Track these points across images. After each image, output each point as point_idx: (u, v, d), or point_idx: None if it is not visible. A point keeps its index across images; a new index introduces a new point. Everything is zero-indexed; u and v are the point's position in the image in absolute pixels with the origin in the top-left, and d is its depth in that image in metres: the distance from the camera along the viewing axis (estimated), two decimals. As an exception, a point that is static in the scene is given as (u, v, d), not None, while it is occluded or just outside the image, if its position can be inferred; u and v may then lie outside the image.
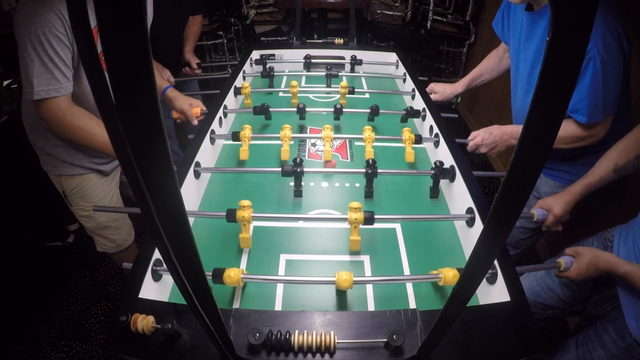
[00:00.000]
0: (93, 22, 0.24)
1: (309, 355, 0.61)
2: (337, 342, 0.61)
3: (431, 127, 1.32)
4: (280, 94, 1.67)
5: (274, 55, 1.88)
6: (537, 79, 0.27)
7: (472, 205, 0.96)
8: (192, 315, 0.55)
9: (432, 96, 1.56)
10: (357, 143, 1.34)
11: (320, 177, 1.18)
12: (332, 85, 1.65)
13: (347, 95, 1.49)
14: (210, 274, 0.77)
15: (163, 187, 0.30)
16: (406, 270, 0.90)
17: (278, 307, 0.80)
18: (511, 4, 1.31)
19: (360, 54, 1.85)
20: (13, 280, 1.99)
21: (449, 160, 1.13)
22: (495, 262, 0.80)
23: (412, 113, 1.39)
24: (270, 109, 1.38)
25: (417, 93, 1.53)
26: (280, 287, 0.84)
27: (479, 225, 0.92)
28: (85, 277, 2.01)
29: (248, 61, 1.81)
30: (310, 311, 0.69)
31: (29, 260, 2.10)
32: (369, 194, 1.09)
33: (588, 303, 1.14)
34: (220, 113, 1.35)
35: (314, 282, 0.81)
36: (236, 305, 0.80)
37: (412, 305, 0.81)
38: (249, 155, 1.21)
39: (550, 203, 1.06)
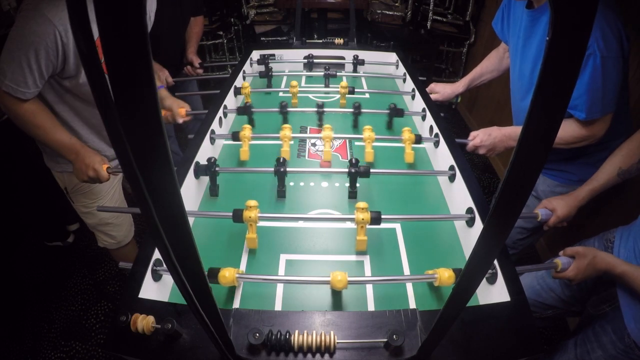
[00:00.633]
0: (96, 34, 0.24)
1: (309, 355, 0.61)
2: (337, 342, 0.61)
3: (431, 127, 1.32)
4: (280, 94, 1.67)
5: (274, 55, 1.88)
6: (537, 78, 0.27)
7: (472, 205, 0.96)
8: (192, 315, 0.55)
9: (433, 96, 1.56)
10: (357, 143, 1.34)
11: (320, 177, 1.18)
12: (330, 86, 1.65)
13: (347, 95, 1.49)
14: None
15: (163, 187, 0.30)
16: (406, 270, 0.90)
17: (278, 307, 0.80)
18: (511, 2, 1.31)
19: (360, 54, 1.85)
20: (13, 280, 1.99)
21: (449, 161, 1.13)
22: (495, 262, 0.80)
23: (396, 112, 1.38)
24: (270, 110, 1.38)
25: (417, 93, 1.53)
26: (280, 287, 0.84)
27: (479, 225, 0.92)
28: (85, 277, 2.01)
29: (248, 61, 1.81)
30: (310, 311, 0.69)
31: (29, 260, 2.10)
32: (352, 194, 1.09)
33: (587, 303, 1.14)
34: (220, 113, 1.35)
35: (309, 282, 0.81)
36: (236, 305, 0.80)
37: (412, 305, 0.81)
38: (250, 156, 1.21)
39: (555, 204, 1.06)
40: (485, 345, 0.65)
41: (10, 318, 1.80)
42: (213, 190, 1.10)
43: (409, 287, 0.85)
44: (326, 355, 0.61)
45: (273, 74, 1.71)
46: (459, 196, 1.05)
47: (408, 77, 1.68)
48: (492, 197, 2.37)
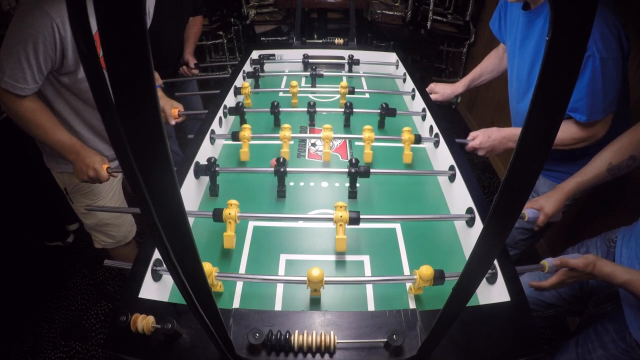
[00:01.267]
0: (94, 28, 0.24)
1: (309, 355, 0.61)
2: (337, 342, 0.61)
3: (431, 127, 1.32)
4: (280, 94, 1.67)
5: (274, 55, 1.88)
6: (536, 78, 0.27)
7: (472, 205, 0.96)
8: (192, 315, 0.55)
9: (432, 96, 1.56)
10: (357, 143, 1.34)
11: (320, 177, 1.18)
12: (317, 86, 1.66)
13: (347, 95, 1.49)
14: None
15: (163, 187, 0.30)
16: (406, 270, 0.90)
17: (278, 307, 0.80)
18: (507, 3, 1.30)
19: (360, 54, 1.85)
20: (13, 280, 1.99)
21: (449, 161, 1.13)
22: (495, 262, 0.80)
23: (387, 112, 1.37)
24: (262, 110, 1.37)
25: (417, 93, 1.53)
26: (280, 287, 0.84)
27: (479, 225, 0.92)
28: (85, 277, 2.01)
29: (248, 61, 1.81)
30: (310, 311, 0.69)
31: (29, 260, 2.10)
32: (352, 194, 1.09)
33: (589, 302, 1.14)
34: (220, 113, 1.35)
35: (284, 281, 0.82)
36: (236, 305, 0.80)
37: (412, 305, 0.81)
38: (250, 156, 1.21)
39: (541, 202, 1.05)
40: (485, 345, 0.65)
41: (10, 318, 1.80)
42: (213, 190, 1.10)
43: (409, 285, 0.85)
44: (326, 355, 0.61)
45: (271, 74, 1.71)
46: (459, 196, 1.05)
47: (408, 77, 1.68)
48: (493, 197, 2.37)
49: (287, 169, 1.06)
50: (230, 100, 1.48)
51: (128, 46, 0.23)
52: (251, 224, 1.00)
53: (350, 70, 1.82)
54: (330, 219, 0.89)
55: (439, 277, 0.76)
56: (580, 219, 1.84)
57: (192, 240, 0.35)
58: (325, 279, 0.76)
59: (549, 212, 1.04)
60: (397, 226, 1.01)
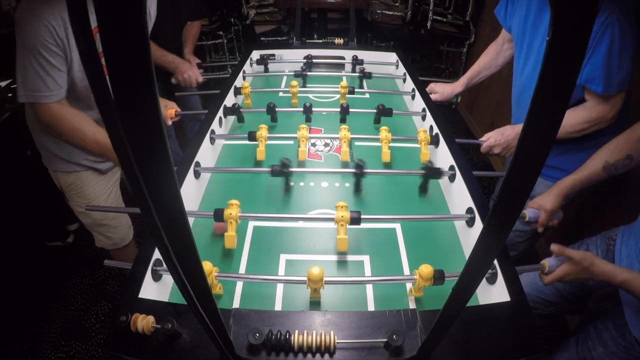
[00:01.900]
0: (93, 23, 0.24)
1: (309, 355, 0.61)
2: (337, 342, 0.61)
3: (431, 127, 1.32)
4: (280, 94, 1.67)
5: (274, 55, 1.88)
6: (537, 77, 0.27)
7: (472, 205, 0.96)
8: (192, 315, 0.55)
9: (432, 96, 1.56)
10: (357, 143, 1.34)
11: (320, 177, 1.18)
12: (307, 85, 1.66)
13: (347, 96, 1.49)
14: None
15: (163, 187, 0.30)
16: (406, 270, 0.89)
17: (278, 307, 0.80)
18: None
19: (360, 54, 1.85)
20: (13, 280, 1.99)
21: (449, 161, 1.13)
22: (495, 262, 0.80)
23: (384, 112, 1.37)
24: (258, 110, 1.37)
25: (417, 93, 1.53)
26: (280, 287, 0.84)
27: (479, 225, 0.92)
28: (85, 277, 2.01)
29: (248, 61, 1.81)
30: (310, 311, 0.69)
31: (29, 260, 2.10)
32: (357, 187, 1.10)
33: (589, 300, 1.14)
34: (220, 113, 1.35)
35: (284, 281, 0.82)
36: (236, 305, 0.80)
37: (412, 305, 0.81)
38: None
39: (540, 201, 1.06)
40: (485, 345, 0.65)
41: (10, 318, 1.80)
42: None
43: (409, 287, 0.85)
44: (326, 355, 0.61)
45: (271, 74, 1.72)
46: (459, 196, 1.05)
47: (408, 77, 1.68)
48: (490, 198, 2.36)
49: (292, 169, 1.06)
50: (230, 100, 1.48)
51: (128, 45, 0.23)
52: (251, 224, 1.00)
53: (354, 71, 1.82)
54: (331, 219, 0.89)
55: (438, 277, 0.76)
56: (580, 218, 1.84)
57: (192, 240, 0.35)
58: (325, 279, 0.76)
59: (550, 208, 1.04)
60: (397, 226, 1.01)
